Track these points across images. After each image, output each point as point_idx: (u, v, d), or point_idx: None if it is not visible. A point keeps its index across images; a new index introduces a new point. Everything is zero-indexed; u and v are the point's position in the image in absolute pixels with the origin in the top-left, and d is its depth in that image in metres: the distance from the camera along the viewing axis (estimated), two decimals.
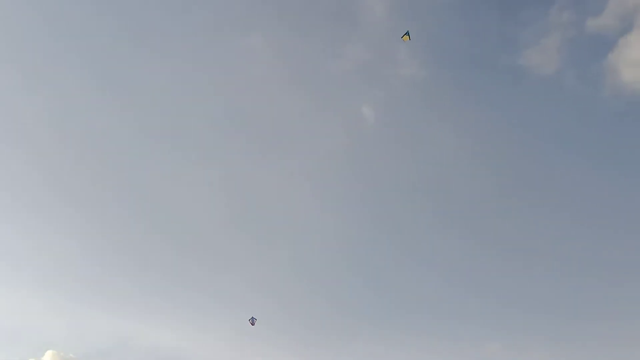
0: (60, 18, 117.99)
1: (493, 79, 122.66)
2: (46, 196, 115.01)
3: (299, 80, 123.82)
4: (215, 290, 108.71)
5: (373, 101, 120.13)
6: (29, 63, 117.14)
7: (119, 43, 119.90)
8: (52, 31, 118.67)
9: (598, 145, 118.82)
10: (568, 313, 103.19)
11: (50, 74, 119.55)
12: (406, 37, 72.74)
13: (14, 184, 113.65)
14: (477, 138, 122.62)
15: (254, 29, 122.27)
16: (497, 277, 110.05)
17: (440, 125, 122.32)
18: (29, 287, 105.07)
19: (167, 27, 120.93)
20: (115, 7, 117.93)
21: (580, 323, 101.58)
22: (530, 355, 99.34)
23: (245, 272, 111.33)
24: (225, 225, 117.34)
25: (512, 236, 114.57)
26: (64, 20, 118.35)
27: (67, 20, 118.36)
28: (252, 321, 79.28)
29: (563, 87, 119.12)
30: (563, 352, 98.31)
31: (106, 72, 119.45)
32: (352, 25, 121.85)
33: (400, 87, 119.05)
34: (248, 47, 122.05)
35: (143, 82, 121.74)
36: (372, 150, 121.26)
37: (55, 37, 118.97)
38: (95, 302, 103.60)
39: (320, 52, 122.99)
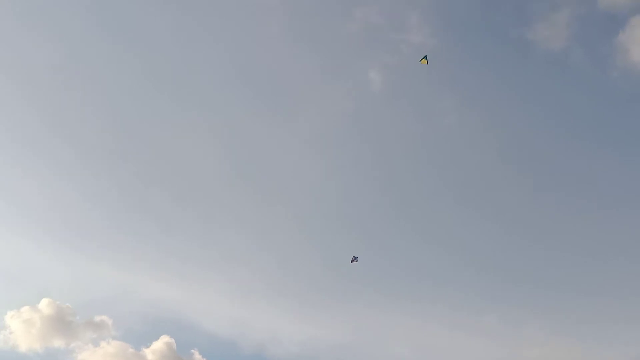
0: None
1: (501, 50, 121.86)
2: (50, 145, 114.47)
3: (308, 39, 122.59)
4: (215, 245, 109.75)
5: (381, 66, 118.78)
6: (34, 10, 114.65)
7: None
8: None
9: (603, 124, 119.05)
10: (564, 287, 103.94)
11: (56, 21, 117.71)
12: (424, 60, 72.98)
13: (17, 131, 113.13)
14: (482, 109, 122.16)
15: None
16: (496, 249, 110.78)
17: (447, 94, 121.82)
18: (28, 234, 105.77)
19: None
20: None
21: (575, 297, 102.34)
22: (526, 329, 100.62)
23: (247, 229, 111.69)
24: (228, 182, 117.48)
25: (512, 210, 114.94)
26: None
27: None
28: (354, 259, 79.58)
29: (570, 63, 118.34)
30: (557, 326, 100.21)
31: (112, 20, 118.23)
32: None
33: (409, 53, 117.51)
34: (259, 3, 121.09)
35: (151, 30, 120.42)
36: (377, 115, 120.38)
37: None
38: (94, 253, 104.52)
39: (331, 12, 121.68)
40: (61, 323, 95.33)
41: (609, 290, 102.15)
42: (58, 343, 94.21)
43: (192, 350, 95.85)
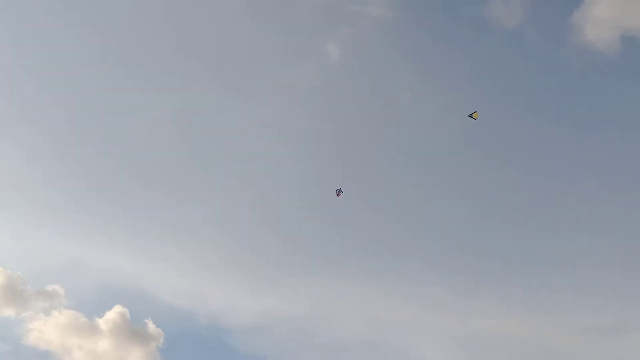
0: None
1: (457, 27, 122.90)
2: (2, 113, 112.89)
3: (264, 12, 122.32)
4: (171, 218, 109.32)
5: (339, 39, 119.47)
6: None
7: None
8: None
9: (557, 103, 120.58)
10: (514, 259, 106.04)
11: None
12: (476, 114, 73.83)
13: None
14: (439, 84, 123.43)
15: None
16: (448, 221, 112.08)
17: (403, 68, 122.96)
18: None
19: None
20: None
21: (525, 269, 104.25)
22: (477, 300, 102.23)
23: (203, 204, 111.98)
24: (185, 159, 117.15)
25: (464, 182, 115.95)
26: None
27: None
28: (339, 192, 79.50)
29: (525, 41, 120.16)
30: (509, 298, 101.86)
31: None
32: None
33: (367, 26, 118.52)
34: None
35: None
36: (335, 89, 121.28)
37: None
38: (47, 223, 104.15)
39: None
40: (12, 292, 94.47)
41: (559, 262, 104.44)
42: (8, 312, 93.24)
43: (146, 320, 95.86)
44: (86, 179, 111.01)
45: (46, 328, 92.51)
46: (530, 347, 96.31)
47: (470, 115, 74.51)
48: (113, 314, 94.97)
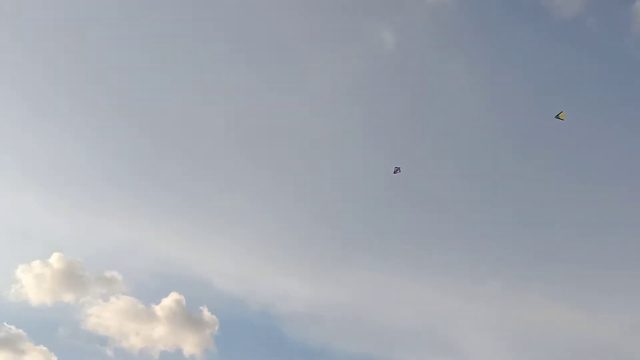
0: None
1: (514, 16, 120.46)
2: (54, 100, 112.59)
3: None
4: (222, 206, 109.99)
5: (394, 27, 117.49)
6: None
7: None
8: None
9: (617, 96, 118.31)
10: (566, 255, 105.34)
11: None
12: (563, 114, 72.88)
13: (19, 86, 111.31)
14: (492, 75, 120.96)
15: None
16: (500, 216, 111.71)
17: (459, 57, 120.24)
18: (37, 189, 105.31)
19: None
20: None
21: (576, 266, 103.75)
22: (527, 295, 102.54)
23: (253, 191, 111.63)
24: (235, 144, 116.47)
25: (516, 177, 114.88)
26: None
27: None
28: (397, 170, 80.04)
29: (584, 31, 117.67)
30: (558, 293, 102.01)
31: None
32: None
33: (422, 14, 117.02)
34: None
35: None
36: (390, 77, 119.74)
37: None
38: (105, 211, 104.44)
39: None
40: (72, 277, 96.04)
41: (609, 261, 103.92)
42: (68, 298, 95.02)
43: (201, 307, 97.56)
44: (141, 167, 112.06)
45: (104, 313, 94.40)
46: (576, 342, 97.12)
47: (557, 116, 73.83)
48: (169, 300, 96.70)
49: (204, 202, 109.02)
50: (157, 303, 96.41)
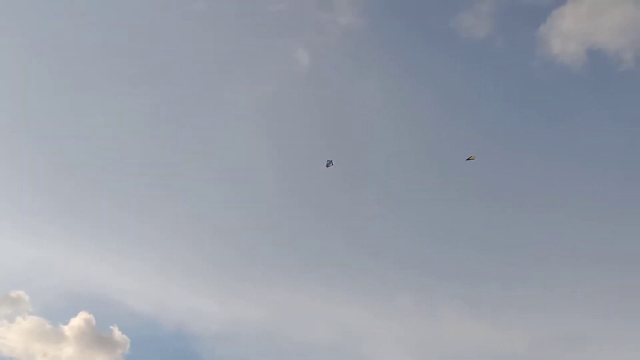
0: None
1: (425, 36, 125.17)
2: None
3: (234, 16, 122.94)
4: (135, 227, 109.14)
5: (309, 46, 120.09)
6: None
7: None
8: None
9: (524, 113, 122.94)
10: (478, 275, 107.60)
11: None
12: (472, 157, 78.66)
13: None
14: (404, 93, 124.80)
15: None
16: (415, 237, 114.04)
17: (372, 77, 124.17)
18: None
19: None
20: None
21: (486, 285, 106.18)
22: (440, 311, 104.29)
23: (165, 213, 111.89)
24: (148, 168, 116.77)
25: (428, 197, 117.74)
26: None
27: None
28: (329, 164, 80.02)
29: (492, 53, 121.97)
30: (471, 310, 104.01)
31: None
32: None
33: (336, 34, 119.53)
34: None
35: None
36: (305, 96, 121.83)
37: None
38: (11, 230, 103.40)
39: None
40: None
41: (518, 279, 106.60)
42: None
43: (112, 327, 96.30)
44: (52, 187, 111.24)
45: (10, 334, 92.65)
46: (489, 356, 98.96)
47: (468, 159, 77.96)
48: (78, 320, 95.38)
49: (115, 222, 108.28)
50: (66, 323, 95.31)
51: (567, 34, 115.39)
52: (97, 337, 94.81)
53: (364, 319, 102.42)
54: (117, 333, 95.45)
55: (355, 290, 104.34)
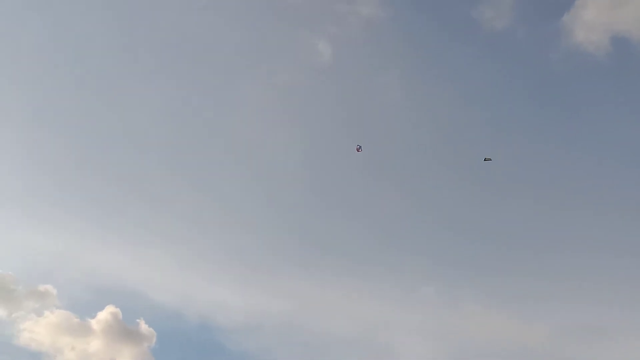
0: None
1: (447, 27, 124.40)
2: None
3: (254, 9, 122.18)
4: (160, 218, 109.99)
5: (330, 38, 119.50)
6: None
7: None
8: None
9: (546, 104, 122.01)
10: (499, 265, 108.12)
11: None
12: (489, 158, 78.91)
13: None
14: (426, 85, 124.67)
15: None
16: (436, 226, 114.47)
17: (394, 68, 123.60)
18: None
19: None
20: None
21: (508, 275, 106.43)
22: (463, 303, 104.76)
23: (193, 207, 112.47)
24: (173, 160, 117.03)
25: (451, 186, 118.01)
26: None
27: None
28: (359, 148, 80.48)
29: (514, 43, 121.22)
30: (492, 301, 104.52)
31: None
32: None
33: (357, 25, 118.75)
34: None
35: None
36: (326, 88, 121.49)
37: None
38: (40, 224, 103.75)
39: None
40: (3, 292, 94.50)
41: (540, 267, 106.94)
42: (0, 313, 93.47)
43: (138, 320, 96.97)
44: (78, 181, 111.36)
45: (38, 328, 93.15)
46: (510, 347, 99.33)
47: (485, 159, 78.05)
48: (105, 314, 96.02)
49: (138, 216, 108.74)
50: (93, 317, 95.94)
51: (590, 24, 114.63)
52: (124, 330, 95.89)
53: (386, 311, 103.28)
54: (143, 326, 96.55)
55: (378, 282, 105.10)
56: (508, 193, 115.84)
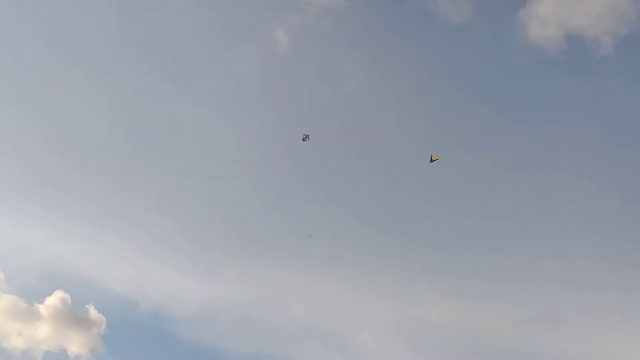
0: None
1: (405, 19, 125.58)
2: None
3: None
4: (112, 204, 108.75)
5: (288, 27, 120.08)
6: None
7: None
8: None
9: (502, 98, 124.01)
10: (456, 248, 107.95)
11: None
12: (435, 156, 79.19)
13: None
14: (385, 74, 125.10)
15: None
16: (394, 211, 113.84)
17: (352, 58, 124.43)
18: None
19: None
20: None
21: (467, 258, 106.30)
22: (420, 289, 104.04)
23: (143, 189, 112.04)
24: (124, 143, 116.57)
25: (409, 171, 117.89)
26: None
27: None
28: (305, 137, 79.55)
29: (472, 37, 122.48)
30: (450, 287, 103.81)
31: None
32: None
33: (316, 14, 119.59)
34: None
35: None
36: (282, 78, 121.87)
37: None
38: None
39: None
40: None
41: (499, 252, 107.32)
42: None
43: (87, 306, 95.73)
44: (26, 165, 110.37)
45: None
46: (468, 335, 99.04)
47: (431, 160, 78.62)
48: (54, 299, 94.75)
49: (91, 201, 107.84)
50: (41, 302, 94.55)
51: (545, 19, 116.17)
52: (72, 316, 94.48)
53: (344, 300, 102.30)
54: (93, 312, 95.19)
55: (336, 271, 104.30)
56: (466, 181, 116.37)
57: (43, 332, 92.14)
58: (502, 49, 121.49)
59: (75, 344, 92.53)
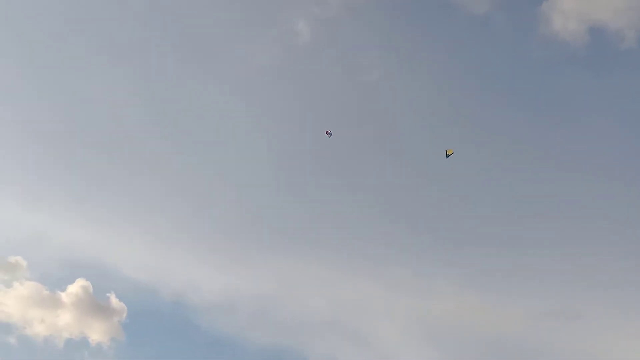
0: None
1: (424, 11, 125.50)
2: None
3: None
4: (134, 192, 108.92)
5: (309, 17, 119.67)
6: None
7: None
8: None
9: (521, 91, 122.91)
10: (475, 242, 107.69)
11: None
12: (450, 150, 78.75)
13: None
14: (406, 66, 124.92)
15: None
16: (414, 204, 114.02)
17: (373, 50, 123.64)
18: None
19: None
20: None
21: (485, 252, 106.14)
22: (437, 282, 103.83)
23: (165, 176, 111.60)
24: (146, 129, 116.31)
25: (429, 164, 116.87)
26: None
27: None
28: (329, 132, 79.76)
29: (492, 28, 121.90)
30: (468, 281, 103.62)
31: None
32: None
33: (337, 6, 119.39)
34: None
35: None
36: (305, 68, 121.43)
37: None
38: (10, 195, 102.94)
39: None
40: None
41: (517, 247, 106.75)
42: None
43: (109, 294, 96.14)
44: (50, 151, 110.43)
45: (7, 300, 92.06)
46: (485, 330, 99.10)
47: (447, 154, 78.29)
48: (75, 287, 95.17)
49: (114, 187, 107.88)
50: (63, 290, 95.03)
51: (567, 12, 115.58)
52: (94, 304, 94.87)
53: (361, 292, 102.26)
54: (114, 300, 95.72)
55: (353, 263, 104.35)
56: (484, 175, 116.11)
57: (65, 320, 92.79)
58: (523, 42, 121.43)
59: (97, 332, 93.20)
